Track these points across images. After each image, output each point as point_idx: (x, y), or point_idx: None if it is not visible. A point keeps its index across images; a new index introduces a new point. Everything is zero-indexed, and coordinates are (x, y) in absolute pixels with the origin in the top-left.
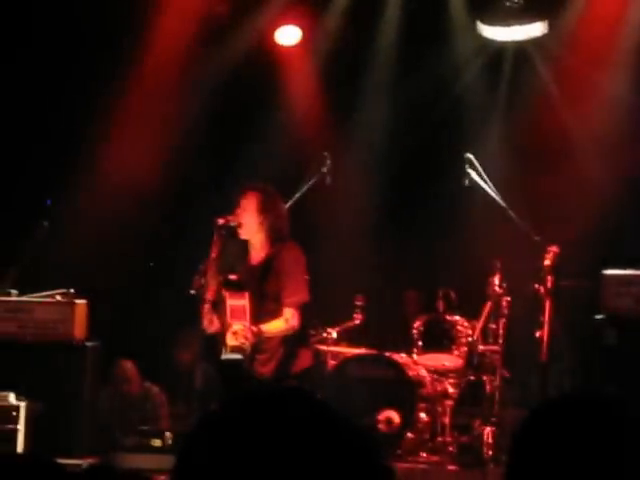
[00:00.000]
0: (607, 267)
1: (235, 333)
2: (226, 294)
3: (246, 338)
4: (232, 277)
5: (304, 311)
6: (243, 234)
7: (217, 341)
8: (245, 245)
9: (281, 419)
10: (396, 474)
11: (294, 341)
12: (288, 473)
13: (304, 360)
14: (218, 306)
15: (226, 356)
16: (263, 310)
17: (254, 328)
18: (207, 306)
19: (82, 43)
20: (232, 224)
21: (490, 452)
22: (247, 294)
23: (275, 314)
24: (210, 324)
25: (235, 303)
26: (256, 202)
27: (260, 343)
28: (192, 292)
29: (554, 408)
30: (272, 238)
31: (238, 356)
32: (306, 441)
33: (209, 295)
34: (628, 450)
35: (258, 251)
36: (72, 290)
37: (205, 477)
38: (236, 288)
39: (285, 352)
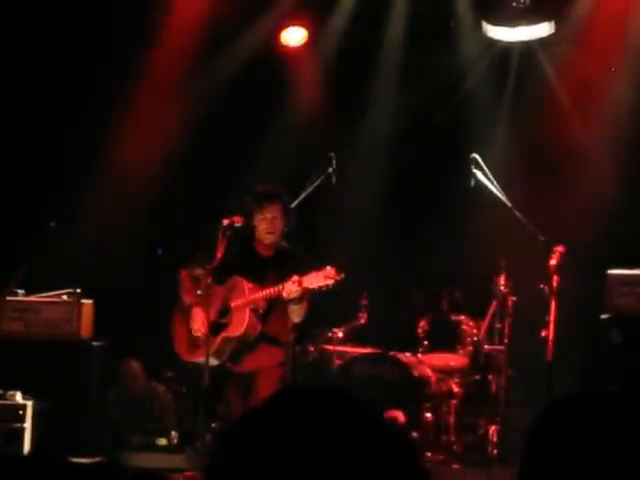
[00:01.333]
0: (612, 267)
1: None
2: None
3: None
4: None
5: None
6: (273, 239)
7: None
8: (249, 245)
9: (320, 419)
10: (431, 476)
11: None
12: (327, 473)
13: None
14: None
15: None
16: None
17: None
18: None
19: (91, 43)
20: (237, 225)
21: (495, 451)
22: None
23: (278, 306)
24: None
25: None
26: (281, 209)
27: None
28: (199, 292)
29: (567, 407)
30: (285, 238)
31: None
32: (346, 441)
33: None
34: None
35: (267, 248)
36: (78, 290)
37: (241, 477)
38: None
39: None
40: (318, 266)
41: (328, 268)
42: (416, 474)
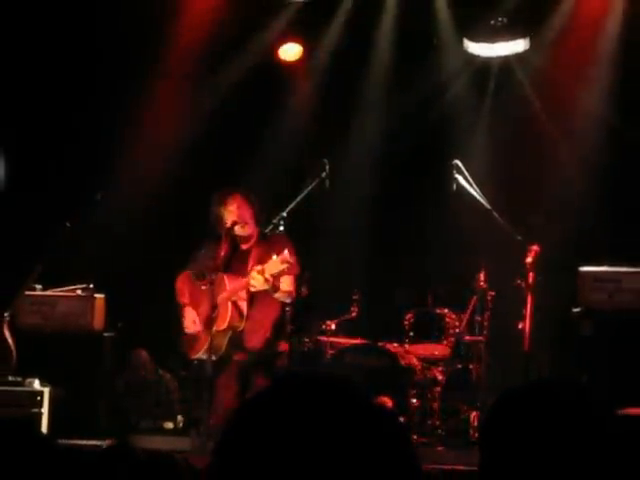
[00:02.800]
0: (584, 264)
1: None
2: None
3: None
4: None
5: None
6: (245, 230)
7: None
8: (233, 244)
9: (318, 403)
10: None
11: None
12: (322, 458)
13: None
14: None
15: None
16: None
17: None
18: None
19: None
20: (238, 226)
21: (476, 434)
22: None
23: (260, 294)
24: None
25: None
26: (243, 198)
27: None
28: (203, 288)
29: (516, 397)
30: (259, 228)
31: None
32: (342, 424)
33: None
34: (588, 435)
35: (245, 240)
36: (92, 285)
37: (242, 464)
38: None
39: (277, 328)
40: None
41: (285, 252)
42: (407, 456)
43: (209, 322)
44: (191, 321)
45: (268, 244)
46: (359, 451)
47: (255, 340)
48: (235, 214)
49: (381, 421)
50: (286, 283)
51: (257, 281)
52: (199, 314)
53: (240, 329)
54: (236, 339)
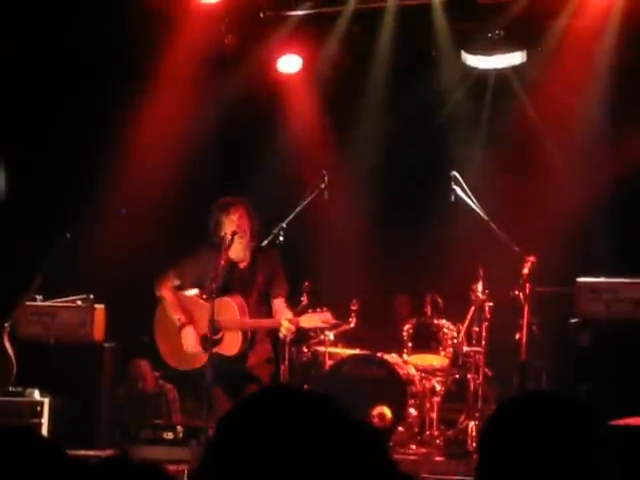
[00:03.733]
0: (581, 275)
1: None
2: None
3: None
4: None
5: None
6: (242, 242)
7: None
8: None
9: (295, 417)
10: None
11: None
12: (302, 469)
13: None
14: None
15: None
16: (254, 306)
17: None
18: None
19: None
20: (238, 235)
21: (474, 444)
22: (239, 296)
23: (262, 307)
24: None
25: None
26: (245, 209)
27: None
28: (204, 297)
29: (514, 407)
30: (254, 242)
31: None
32: (319, 438)
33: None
34: (585, 446)
35: (244, 255)
36: (92, 296)
37: (224, 473)
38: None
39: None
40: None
41: (327, 313)
42: (386, 465)
43: (208, 342)
44: (192, 343)
45: (266, 263)
46: (338, 463)
47: (255, 358)
48: (236, 224)
49: (360, 434)
50: (283, 304)
51: (288, 330)
52: (195, 329)
53: (244, 352)
54: (238, 358)
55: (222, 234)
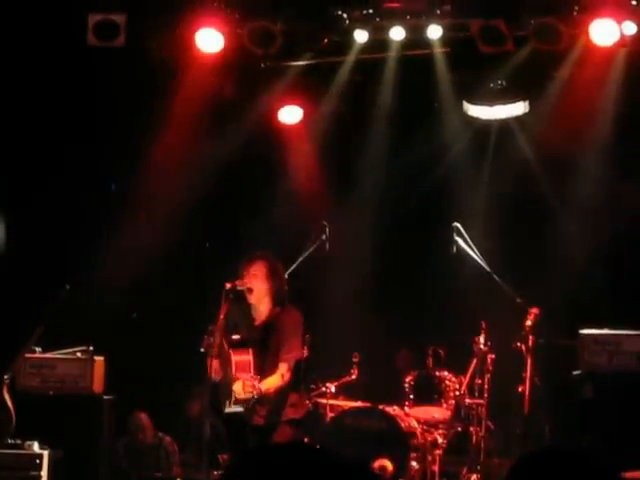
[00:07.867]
0: (584, 327)
1: (245, 385)
2: (231, 352)
3: (253, 388)
4: (235, 337)
5: (304, 367)
6: (253, 298)
7: (222, 394)
8: (249, 307)
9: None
10: None
11: (288, 392)
12: None
13: (298, 410)
14: (224, 362)
15: (229, 409)
16: (265, 365)
17: (257, 384)
18: (215, 361)
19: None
20: (239, 288)
21: None
22: (251, 351)
23: (275, 368)
24: (216, 374)
25: (240, 359)
26: (265, 269)
27: (262, 397)
28: (201, 350)
29: (535, 460)
30: (275, 301)
31: (239, 409)
32: None
33: (215, 351)
34: None
35: (262, 312)
36: (91, 347)
37: None
38: (240, 346)
39: (279, 402)
40: (297, 338)
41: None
42: None
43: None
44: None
45: (283, 323)
46: None
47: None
48: (249, 280)
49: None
50: (284, 369)
51: (239, 394)
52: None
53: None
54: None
55: (226, 287)
